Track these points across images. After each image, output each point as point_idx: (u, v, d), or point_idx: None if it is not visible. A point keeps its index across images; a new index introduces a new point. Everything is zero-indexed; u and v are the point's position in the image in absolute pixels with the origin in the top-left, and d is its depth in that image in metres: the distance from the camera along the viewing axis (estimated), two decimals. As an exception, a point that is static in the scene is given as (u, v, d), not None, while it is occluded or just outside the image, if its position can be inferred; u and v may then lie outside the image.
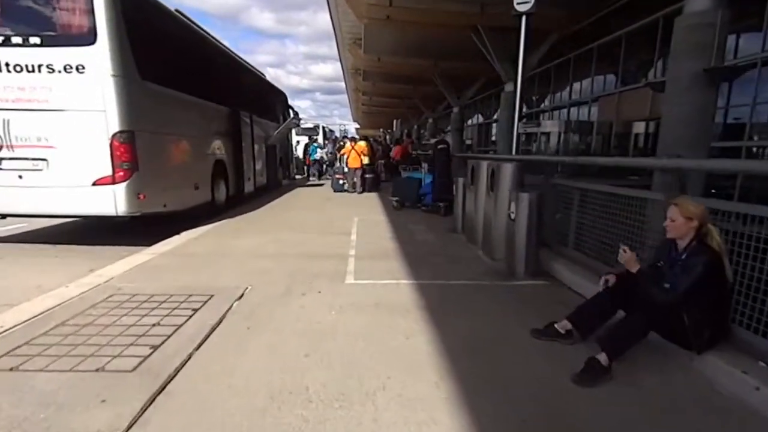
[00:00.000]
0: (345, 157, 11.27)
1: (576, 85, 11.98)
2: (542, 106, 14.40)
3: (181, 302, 3.19)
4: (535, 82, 13.61)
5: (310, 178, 16.19)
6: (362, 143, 11.59)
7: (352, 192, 11.04)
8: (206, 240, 5.47)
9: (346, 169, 11.37)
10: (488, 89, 17.40)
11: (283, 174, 13.49)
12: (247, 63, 10.66)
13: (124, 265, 4.19)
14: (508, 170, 4.12)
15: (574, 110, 11.95)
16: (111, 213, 5.06)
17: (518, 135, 5.81)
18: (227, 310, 3.06)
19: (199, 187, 6.75)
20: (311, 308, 3.14)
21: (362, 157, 10.98)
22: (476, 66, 15.16)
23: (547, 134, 11.92)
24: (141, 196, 5.20)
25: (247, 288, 3.56)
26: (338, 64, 22.26)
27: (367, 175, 11.37)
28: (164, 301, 3.20)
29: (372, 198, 10.22)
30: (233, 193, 8.41)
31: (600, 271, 3.01)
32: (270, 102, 12.15)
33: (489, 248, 4.52)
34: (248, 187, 9.17)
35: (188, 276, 3.92)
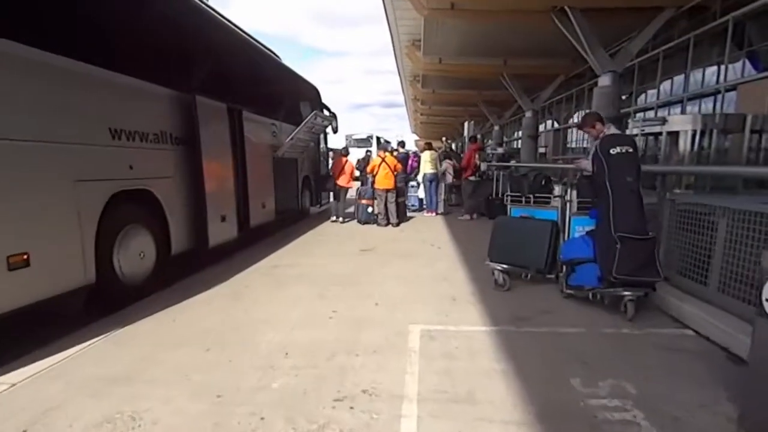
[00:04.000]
0: (373, 174, 8.20)
1: (697, 73, 9.43)
2: (640, 102, 11.85)
3: None
4: (634, 72, 11.09)
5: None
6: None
7: (384, 225, 8.01)
8: None
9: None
10: (568, 89, 15.19)
11: (312, 199, 9.62)
12: (233, 24, 6.40)
13: None
14: None
15: (694, 104, 9.44)
16: None
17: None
18: None
19: (42, 258, 2.90)
20: None
21: (395, 174, 8.15)
22: (554, 62, 13.36)
23: (675, 134, 9.11)
24: None
25: None
26: (396, 78, 21.39)
27: (400, 199, 8.34)
28: None
29: (432, 242, 6.40)
30: (184, 248, 4.65)
31: None
32: (284, 95, 8.07)
33: None
34: (221, 234, 5.14)
35: None
